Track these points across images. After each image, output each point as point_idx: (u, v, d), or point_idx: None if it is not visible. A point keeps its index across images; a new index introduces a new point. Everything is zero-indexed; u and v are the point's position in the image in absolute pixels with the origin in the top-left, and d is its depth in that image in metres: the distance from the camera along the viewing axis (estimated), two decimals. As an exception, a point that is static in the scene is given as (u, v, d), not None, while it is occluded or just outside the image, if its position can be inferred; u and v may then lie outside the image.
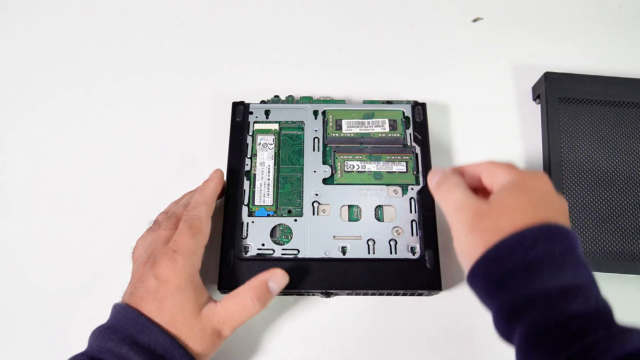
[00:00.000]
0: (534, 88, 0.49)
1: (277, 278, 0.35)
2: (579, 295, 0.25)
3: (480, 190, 0.34)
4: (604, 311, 0.26)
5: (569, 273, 0.26)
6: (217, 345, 0.34)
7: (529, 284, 0.26)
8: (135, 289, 0.33)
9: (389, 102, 0.45)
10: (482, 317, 0.40)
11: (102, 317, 0.33)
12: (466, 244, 0.29)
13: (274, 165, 0.42)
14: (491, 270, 0.27)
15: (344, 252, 0.39)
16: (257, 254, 0.39)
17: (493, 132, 0.48)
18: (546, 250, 0.26)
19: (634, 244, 0.41)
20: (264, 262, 0.38)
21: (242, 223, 0.40)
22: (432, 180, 0.35)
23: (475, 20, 0.54)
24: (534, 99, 0.49)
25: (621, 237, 0.41)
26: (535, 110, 0.48)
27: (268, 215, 0.40)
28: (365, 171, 0.42)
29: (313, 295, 0.40)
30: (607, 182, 0.43)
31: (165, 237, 0.36)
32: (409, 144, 0.43)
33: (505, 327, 0.27)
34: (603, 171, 0.43)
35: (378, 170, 0.42)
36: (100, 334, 0.31)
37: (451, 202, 0.31)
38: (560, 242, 0.27)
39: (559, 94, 0.46)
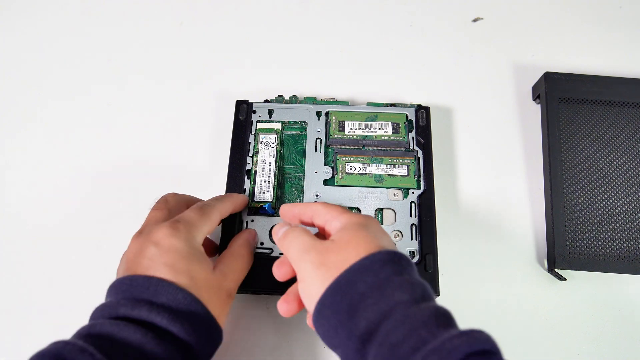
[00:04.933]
0: (534, 88, 0.49)
1: (253, 235, 0.38)
2: (427, 304, 0.26)
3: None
4: (449, 316, 0.26)
5: (416, 290, 0.27)
6: (229, 307, 0.33)
7: (382, 301, 0.26)
8: (136, 261, 0.30)
9: (392, 105, 0.45)
10: (479, 318, 0.40)
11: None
12: (313, 281, 0.29)
13: (275, 163, 0.42)
14: (342, 297, 0.27)
15: None
16: (256, 252, 0.39)
17: (493, 132, 0.48)
18: (394, 271, 0.27)
19: (634, 244, 0.41)
20: (263, 261, 0.38)
21: (242, 221, 0.40)
22: (278, 233, 0.34)
23: (475, 20, 0.54)
24: (534, 99, 0.49)
25: (621, 237, 0.41)
26: (535, 110, 0.48)
27: (272, 214, 0.40)
28: (366, 174, 0.42)
29: None
30: (607, 182, 0.43)
31: (162, 217, 0.34)
32: (411, 147, 0.43)
33: (357, 356, 0.26)
34: (603, 171, 0.44)
35: (379, 173, 0.42)
36: (105, 305, 0.29)
37: (297, 246, 0.31)
38: (404, 266, 0.28)
39: (559, 94, 0.46)
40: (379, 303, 0.26)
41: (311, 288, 0.29)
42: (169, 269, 0.30)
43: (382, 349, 0.25)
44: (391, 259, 0.28)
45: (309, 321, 0.31)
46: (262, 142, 0.43)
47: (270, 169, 0.41)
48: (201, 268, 0.31)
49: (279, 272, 0.33)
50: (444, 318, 0.26)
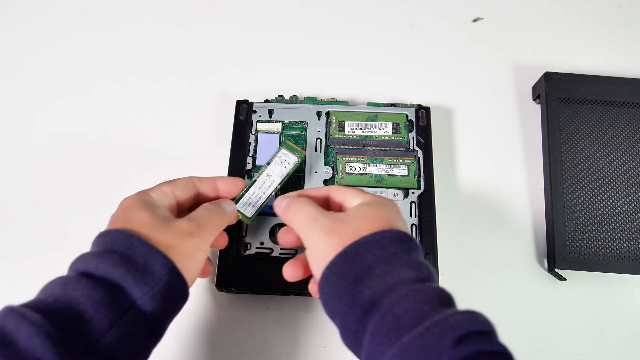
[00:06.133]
0: (534, 88, 0.49)
1: (226, 203, 0.36)
2: (431, 284, 0.27)
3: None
4: (451, 298, 0.27)
5: (422, 270, 0.28)
6: (187, 245, 0.30)
7: (388, 274, 0.27)
8: None
9: (392, 105, 0.45)
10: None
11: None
12: (323, 246, 0.29)
13: (279, 184, 0.38)
14: (350, 265, 0.28)
15: None
16: (256, 252, 0.39)
17: (493, 132, 0.48)
18: (403, 249, 0.28)
19: (634, 244, 0.41)
20: (263, 261, 0.38)
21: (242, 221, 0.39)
22: (281, 204, 0.34)
23: (475, 20, 0.54)
24: (534, 99, 0.49)
25: (621, 237, 0.41)
26: (535, 110, 0.48)
27: (272, 214, 0.38)
28: (366, 173, 0.42)
29: (311, 295, 0.40)
30: (607, 182, 0.43)
31: None
32: (411, 147, 0.43)
33: (357, 325, 0.27)
34: (603, 171, 0.44)
35: (379, 173, 0.42)
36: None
37: (304, 216, 0.31)
38: (412, 247, 0.29)
39: (559, 94, 0.46)
40: (385, 275, 0.27)
41: (320, 253, 0.29)
42: (111, 222, 0.31)
43: (384, 319, 0.25)
44: (401, 238, 0.29)
45: (312, 287, 0.33)
46: (279, 157, 0.38)
47: (270, 187, 0.38)
48: (141, 212, 0.30)
49: (290, 273, 0.34)
50: (447, 299, 0.26)
